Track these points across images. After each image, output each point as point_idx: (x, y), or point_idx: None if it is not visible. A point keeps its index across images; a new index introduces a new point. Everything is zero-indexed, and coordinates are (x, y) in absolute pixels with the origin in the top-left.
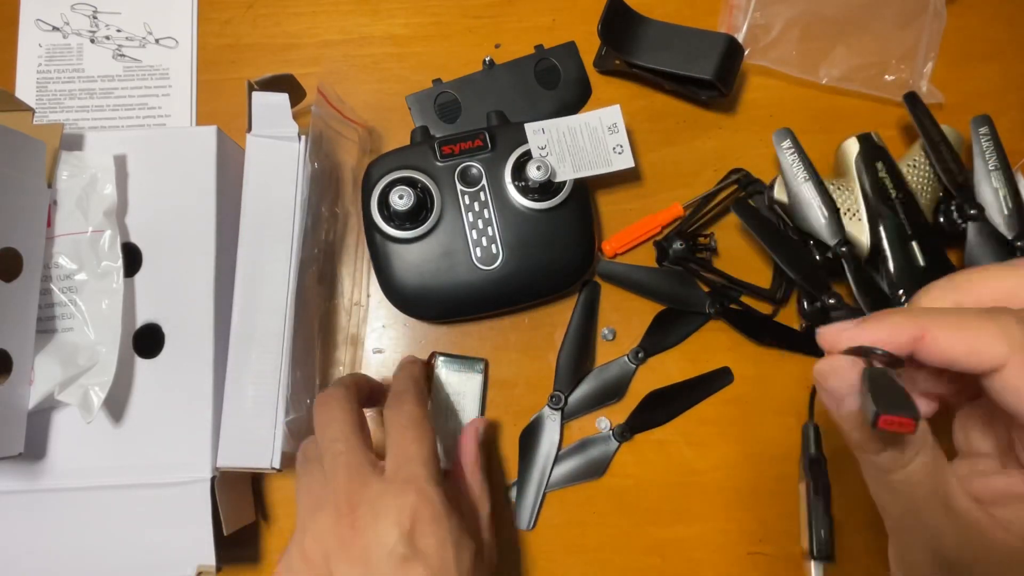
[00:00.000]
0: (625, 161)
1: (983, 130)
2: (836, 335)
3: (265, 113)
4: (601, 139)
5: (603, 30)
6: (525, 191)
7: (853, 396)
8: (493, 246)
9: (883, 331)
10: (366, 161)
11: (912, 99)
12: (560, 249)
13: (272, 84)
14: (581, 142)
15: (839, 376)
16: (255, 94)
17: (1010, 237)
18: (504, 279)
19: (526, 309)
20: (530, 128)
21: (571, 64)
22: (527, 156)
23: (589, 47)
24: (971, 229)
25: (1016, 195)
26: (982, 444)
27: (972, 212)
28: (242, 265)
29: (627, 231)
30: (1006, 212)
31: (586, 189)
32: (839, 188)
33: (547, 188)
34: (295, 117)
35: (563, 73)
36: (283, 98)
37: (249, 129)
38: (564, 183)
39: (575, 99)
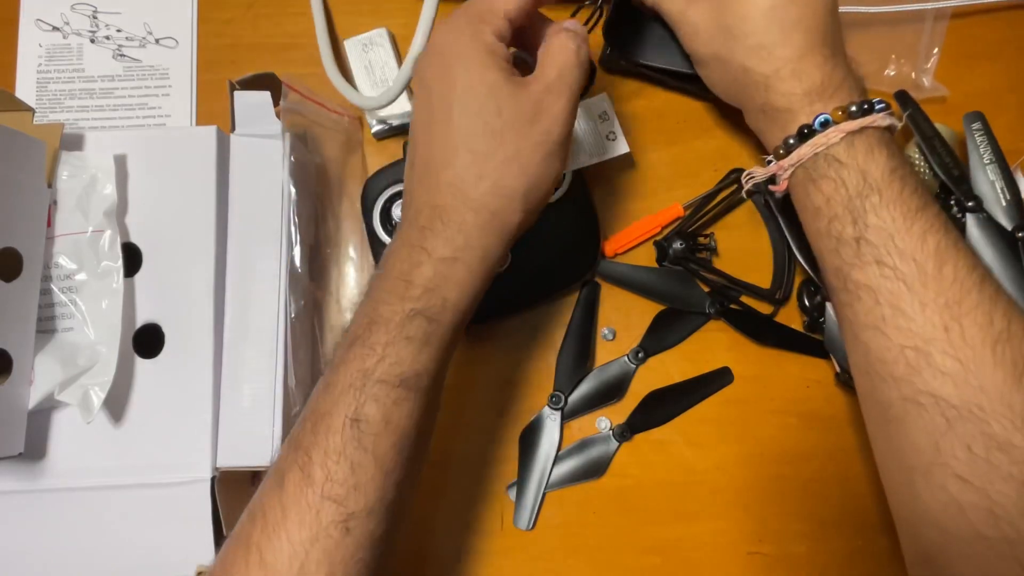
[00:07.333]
0: (620, 147)
1: (976, 125)
2: None
3: (247, 112)
4: (594, 128)
5: (607, 30)
6: None
7: None
8: None
9: None
10: (356, 152)
11: (903, 97)
12: (565, 246)
13: (254, 83)
14: (575, 134)
15: None
16: (237, 93)
17: (1010, 228)
18: (508, 279)
19: (526, 309)
20: None
21: None
22: None
23: (591, 46)
24: (970, 221)
25: (1013, 185)
26: None
27: (970, 204)
28: (232, 264)
29: (627, 231)
30: (1004, 204)
31: (585, 186)
32: None
33: None
34: (279, 115)
35: None
36: (265, 96)
37: (232, 128)
38: (563, 176)
39: None
